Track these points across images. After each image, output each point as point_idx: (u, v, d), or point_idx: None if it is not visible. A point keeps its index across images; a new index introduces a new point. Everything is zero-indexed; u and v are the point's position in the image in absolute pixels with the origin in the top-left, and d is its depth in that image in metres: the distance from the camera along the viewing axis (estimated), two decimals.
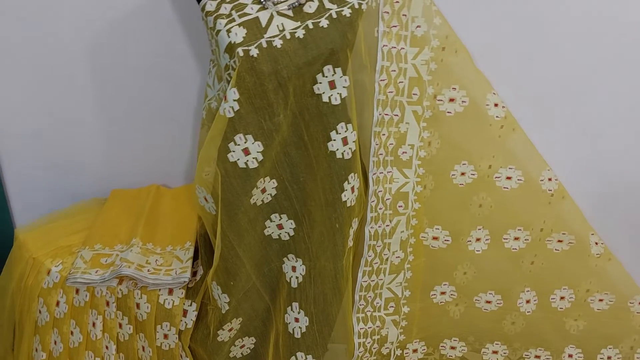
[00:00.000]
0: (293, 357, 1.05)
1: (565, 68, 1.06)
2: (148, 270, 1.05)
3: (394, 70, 0.96)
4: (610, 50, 1.04)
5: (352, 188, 0.96)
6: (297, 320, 1.03)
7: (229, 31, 0.83)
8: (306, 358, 1.04)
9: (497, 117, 1.04)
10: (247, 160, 0.88)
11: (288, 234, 1.00)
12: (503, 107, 1.04)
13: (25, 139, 1.24)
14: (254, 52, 0.82)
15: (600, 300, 1.20)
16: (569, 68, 1.06)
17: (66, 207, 1.22)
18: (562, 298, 1.20)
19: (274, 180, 0.94)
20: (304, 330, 1.03)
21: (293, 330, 1.04)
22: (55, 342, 1.10)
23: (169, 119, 1.21)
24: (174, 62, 1.14)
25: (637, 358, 1.25)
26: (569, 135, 1.12)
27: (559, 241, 1.15)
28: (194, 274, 1.10)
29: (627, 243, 1.21)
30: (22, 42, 1.12)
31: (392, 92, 0.98)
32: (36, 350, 1.12)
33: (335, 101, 0.88)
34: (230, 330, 1.06)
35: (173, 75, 1.15)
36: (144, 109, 1.22)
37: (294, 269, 1.03)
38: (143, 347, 1.08)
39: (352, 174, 0.95)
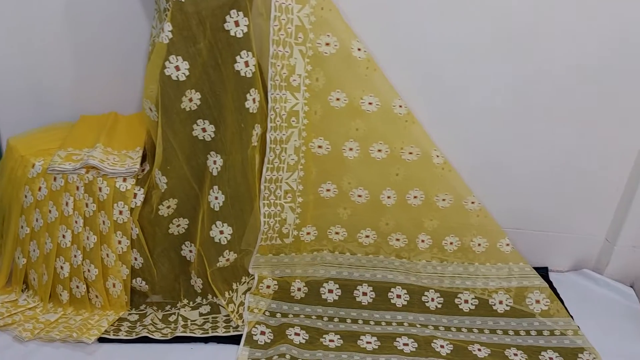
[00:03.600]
0: (213, 225, 1.46)
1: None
2: (108, 164, 1.45)
3: (284, 19, 1.39)
4: None
5: (254, 100, 1.38)
6: (216, 198, 1.45)
7: None
8: (223, 225, 1.46)
9: (359, 57, 1.47)
10: (178, 75, 1.30)
11: (210, 135, 1.41)
12: (365, 51, 1.48)
13: (9, 75, 1.61)
14: None
15: (443, 199, 1.64)
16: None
17: (44, 126, 1.60)
18: (415, 197, 1.63)
19: (198, 93, 1.35)
20: (221, 204, 1.45)
21: (214, 205, 1.45)
22: (37, 220, 1.48)
23: (125, 61, 1.60)
24: (128, 14, 1.54)
25: (472, 244, 1.69)
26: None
27: (410, 153, 1.58)
28: (142, 171, 1.50)
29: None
30: None
31: (283, 34, 1.40)
32: (21, 227, 1.49)
33: (239, 35, 1.30)
34: (168, 207, 1.46)
35: (127, 24, 1.54)
36: (104, 54, 1.61)
37: (214, 162, 1.44)
38: (103, 221, 1.46)
39: (253, 89, 1.37)
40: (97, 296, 1.50)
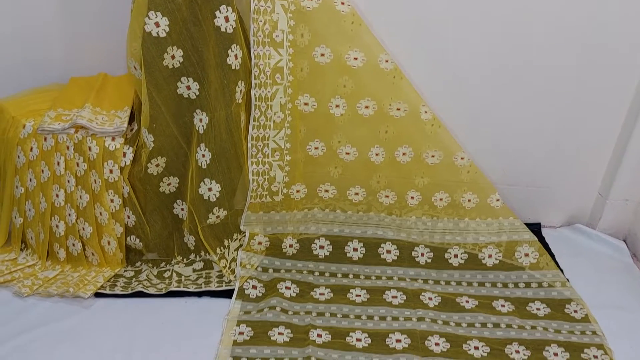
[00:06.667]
0: (202, 183, 1.48)
1: None
2: (97, 123, 1.47)
3: None
4: None
5: (235, 56, 1.39)
6: (203, 156, 1.46)
7: None
8: (211, 182, 1.48)
9: (343, 12, 1.46)
10: (158, 31, 1.30)
11: (195, 93, 1.42)
12: (349, 5, 1.47)
13: (5, 39, 1.63)
14: None
15: (433, 156, 1.63)
16: None
17: (35, 88, 1.62)
18: (404, 154, 1.63)
19: (180, 50, 1.36)
20: (208, 162, 1.47)
21: (201, 163, 1.47)
22: (30, 180, 1.51)
23: (115, 22, 1.60)
24: None
25: (462, 200, 1.69)
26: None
27: (397, 109, 1.58)
28: (131, 130, 1.52)
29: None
30: None
31: None
32: (16, 187, 1.53)
33: None
34: (157, 166, 1.48)
35: None
36: (95, 15, 1.61)
37: (200, 120, 1.45)
38: (95, 180, 1.49)
39: (234, 45, 1.37)
40: (93, 254, 1.54)
